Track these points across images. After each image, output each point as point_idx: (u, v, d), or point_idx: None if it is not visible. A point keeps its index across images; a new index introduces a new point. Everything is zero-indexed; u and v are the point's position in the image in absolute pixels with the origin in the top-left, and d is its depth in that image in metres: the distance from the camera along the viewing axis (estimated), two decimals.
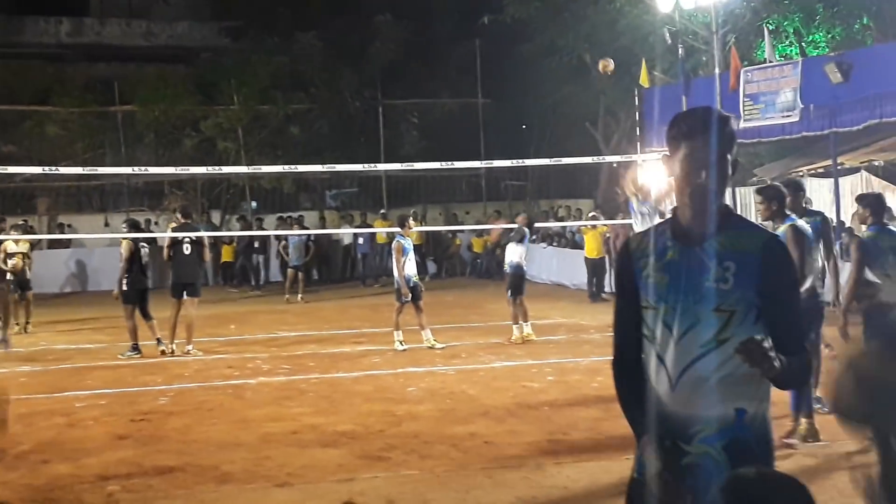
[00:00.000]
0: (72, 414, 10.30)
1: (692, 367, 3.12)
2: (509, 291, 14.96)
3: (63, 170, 20.86)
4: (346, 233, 27.12)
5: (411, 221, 15.22)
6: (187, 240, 14.63)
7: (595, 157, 21.70)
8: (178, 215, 15.62)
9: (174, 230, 15.22)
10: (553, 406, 10.07)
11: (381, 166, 25.23)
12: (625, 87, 24.45)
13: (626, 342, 3.38)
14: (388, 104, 31.26)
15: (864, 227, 8.86)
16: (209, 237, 25.37)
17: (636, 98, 21.36)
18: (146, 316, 14.29)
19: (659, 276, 3.22)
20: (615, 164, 24.25)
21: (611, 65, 18.23)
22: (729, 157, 3.12)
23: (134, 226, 15.55)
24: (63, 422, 9.87)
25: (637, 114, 21.29)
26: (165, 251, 14.72)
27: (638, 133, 20.34)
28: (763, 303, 3.11)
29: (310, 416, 9.85)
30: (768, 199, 8.30)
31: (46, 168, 18.17)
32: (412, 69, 31.15)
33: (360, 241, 27.15)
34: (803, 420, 8.13)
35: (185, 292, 14.43)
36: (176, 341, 14.29)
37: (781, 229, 7.94)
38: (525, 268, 15.17)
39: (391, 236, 18.93)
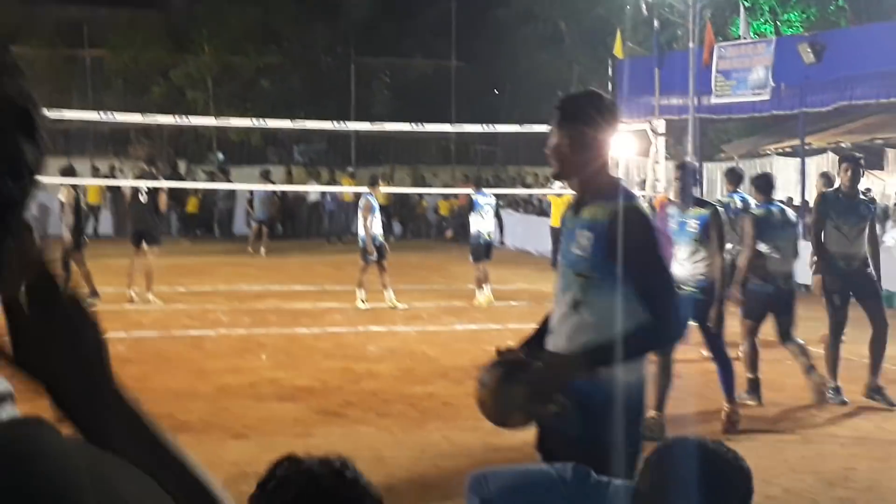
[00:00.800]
0: None
1: (559, 327, 3.54)
2: (471, 256, 15.07)
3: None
4: (314, 189, 27.00)
5: (380, 182, 15.20)
6: (144, 188, 14.51)
7: None
8: (143, 163, 15.49)
9: (137, 177, 15.09)
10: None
11: (351, 125, 25.11)
12: (599, 58, 24.50)
13: None
14: (361, 62, 31.11)
15: (754, 205, 9.56)
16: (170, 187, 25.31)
17: (609, 68, 21.35)
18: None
19: (561, 241, 3.74)
20: None
21: None
22: (590, 132, 3.44)
23: (69, 172, 15.32)
24: None
25: (609, 84, 21.30)
26: (128, 199, 14.60)
27: None
28: (622, 269, 3.34)
29: (268, 369, 9.84)
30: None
31: None
32: (386, 28, 31.01)
33: (328, 198, 27.07)
34: (653, 413, 7.50)
35: (142, 240, 14.33)
36: (134, 288, 14.20)
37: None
38: (482, 234, 15.10)
39: (358, 195, 18.87)
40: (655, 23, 20.21)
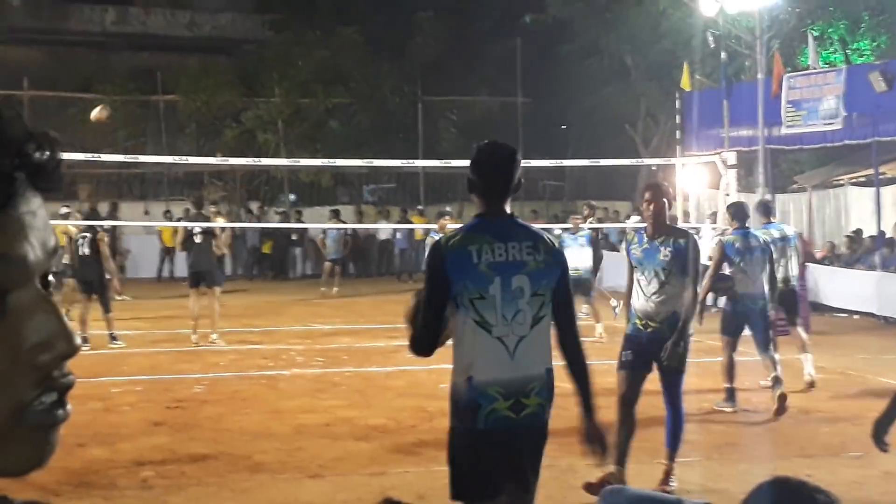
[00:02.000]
0: (108, 399, 10.43)
1: (651, 298, 6.76)
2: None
3: (104, 157, 21.10)
4: (385, 227, 27.21)
5: (446, 219, 15.27)
6: (198, 230, 14.74)
7: (633, 160, 21.60)
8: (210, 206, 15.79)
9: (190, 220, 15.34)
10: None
11: (419, 162, 25.26)
12: (665, 90, 24.38)
13: None
14: (428, 101, 31.32)
15: (729, 231, 10.65)
16: (238, 228, 25.64)
17: (677, 101, 21.26)
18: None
19: (642, 254, 7.39)
20: (654, 167, 24.19)
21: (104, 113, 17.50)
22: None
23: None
24: (99, 406, 9.99)
25: (677, 117, 21.20)
26: (179, 242, 14.87)
27: (678, 136, 20.23)
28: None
29: (343, 409, 9.93)
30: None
31: (88, 154, 18.35)
32: (452, 66, 31.22)
33: (398, 236, 27.28)
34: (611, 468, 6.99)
35: (200, 282, 14.52)
36: (199, 331, 14.34)
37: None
38: (580, 269, 14.91)
39: (428, 232, 18.99)
40: (723, 54, 20.09)
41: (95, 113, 16.65)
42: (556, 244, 4.35)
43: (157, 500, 6.76)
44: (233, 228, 27.15)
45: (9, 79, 29.42)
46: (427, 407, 9.97)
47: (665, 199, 7.18)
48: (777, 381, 9.66)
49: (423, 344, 4.22)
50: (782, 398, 9.55)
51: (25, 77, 28.43)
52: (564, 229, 15.89)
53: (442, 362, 13.11)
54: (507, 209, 4.25)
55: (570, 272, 12.46)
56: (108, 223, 15.05)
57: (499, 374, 4.07)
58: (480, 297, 4.05)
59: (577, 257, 15.05)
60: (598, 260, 16.22)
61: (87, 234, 14.28)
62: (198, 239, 14.57)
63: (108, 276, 14.25)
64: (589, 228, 15.95)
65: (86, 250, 14.13)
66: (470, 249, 4.08)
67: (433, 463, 7.85)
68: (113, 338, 14.03)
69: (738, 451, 8.56)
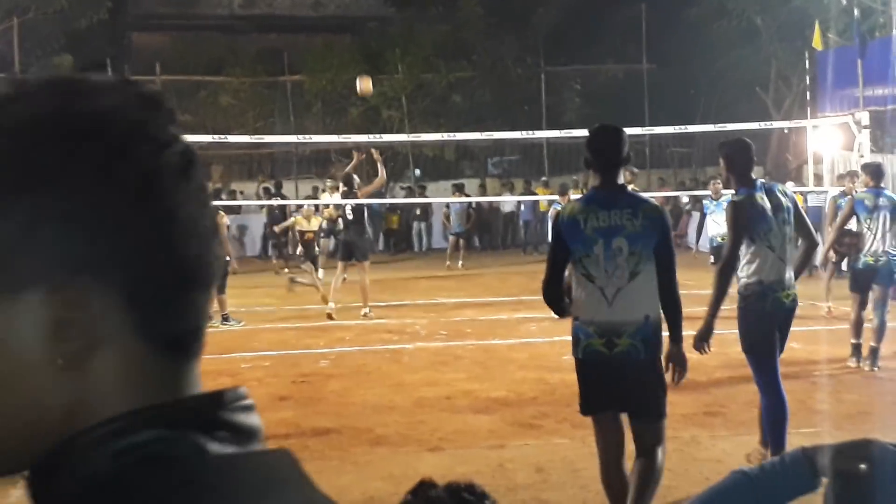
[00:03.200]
0: (237, 374, 10.69)
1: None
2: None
3: (232, 138, 21.61)
4: (507, 200, 27.15)
5: (571, 191, 15.14)
6: (348, 206, 14.91)
7: (762, 123, 20.91)
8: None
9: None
10: (712, 378, 9.86)
11: (541, 133, 25.03)
12: (797, 51, 23.57)
13: None
14: (551, 71, 31.04)
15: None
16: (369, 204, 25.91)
17: (808, 61, 20.52)
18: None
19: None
20: (786, 130, 23.44)
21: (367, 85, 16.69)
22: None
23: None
24: (229, 382, 10.17)
25: (808, 78, 20.47)
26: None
27: (808, 97, 19.54)
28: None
29: (464, 381, 9.94)
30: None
31: (216, 137, 18.81)
32: (575, 35, 30.82)
33: (522, 208, 27.18)
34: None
35: (351, 256, 14.73)
36: (331, 304, 14.60)
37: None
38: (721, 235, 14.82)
39: (551, 204, 18.85)
40: (856, 11, 19.32)
41: (362, 86, 16.76)
42: (658, 212, 5.12)
43: None
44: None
45: (143, 64, 30.39)
46: (549, 379, 9.92)
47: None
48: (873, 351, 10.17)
49: (549, 292, 5.21)
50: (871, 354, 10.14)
51: (157, 62, 29.28)
52: (704, 196, 15.60)
53: (564, 334, 12.99)
54: (620, 180, 5.18)
55: (719, 239, 12.66)
56: (292, 202, 15.29)
57: (596, 316, 5.04)
58: (587, 256, 5.04)
59: (724, 224, 14.74)
60: None
61: None
62: (350, 215, 14.81)
63: (227, 258, 14.45)
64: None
65: None
66: (579, 218, 5.07)
67: (553, 435, 7.81)
68: (225, 318, 14.32)
69: (870, 421, 8.24)
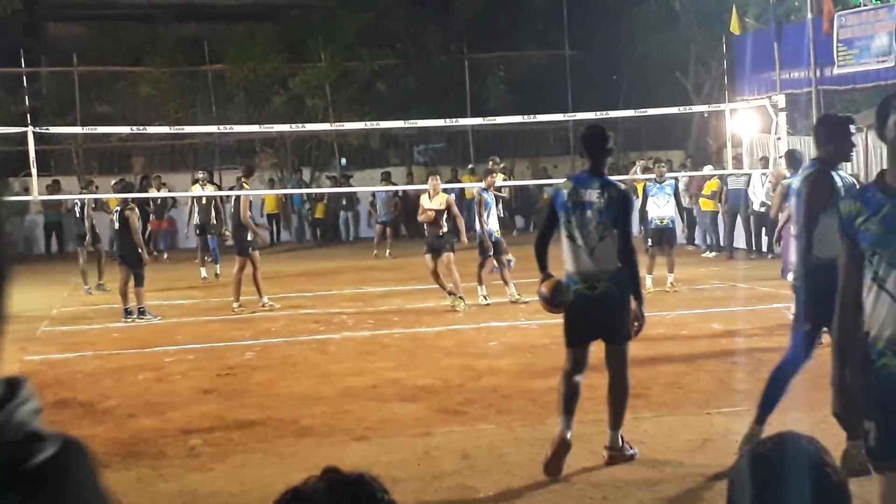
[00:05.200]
0: (160, 369, 10.55)
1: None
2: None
3: (151, 129, 21.26)
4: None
5: (493, 176, 15.18)
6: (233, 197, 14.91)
7: (682, 108, 21.18)
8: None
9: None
10: (635, 361, 9.94)
11: (465, 121, 25.03)
12: (716, 35, 23.85)
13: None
14: (474, 58, 31.05)
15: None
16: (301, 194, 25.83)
17: (725, 46, 20.84)
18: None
19: None
20: (705, 114, 23.77)
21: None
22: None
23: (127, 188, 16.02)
24: (151, 377, 10.11)
25: (726, 62, 20.78)
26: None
27: (727, 81, 19.83)
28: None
29: (391, 370, 9.93)
30: None
31: (136, 128, 18.53)
32: (498, 21, 30.92)
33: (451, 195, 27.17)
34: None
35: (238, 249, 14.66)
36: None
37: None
38: (666, 219, 15.13)
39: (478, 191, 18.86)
40: None
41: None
42: (621, 193, 6.56)
43: (204, 468, 6.80)
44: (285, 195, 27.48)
45: (59, 55, 29.76)
46: (475, 365, 9.95)
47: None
48: None
49: (537, 246, 6.78)
50: None
51: (75, 53, 28.67)
52: (650, 179, 15.69)
53: (491, 320, 13.08)
54: (601, 167, 6.59)
55: (658, 222, 12.95)
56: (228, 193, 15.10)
57: (579, 267, 6.53)
58: (568, 221, 6.52)
59: (665, 207, 15.01)
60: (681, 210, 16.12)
61: (118, 209, 14.38)
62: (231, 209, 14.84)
63: (140, 250, 14.21)
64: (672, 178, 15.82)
65: (116, 225, 14.26)
66: (563, 191, 6.60)
67: (479, 421, 7.84)
68: (141, 312, 14.07)
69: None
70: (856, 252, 3.74)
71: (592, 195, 6.46)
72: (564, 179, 6.99)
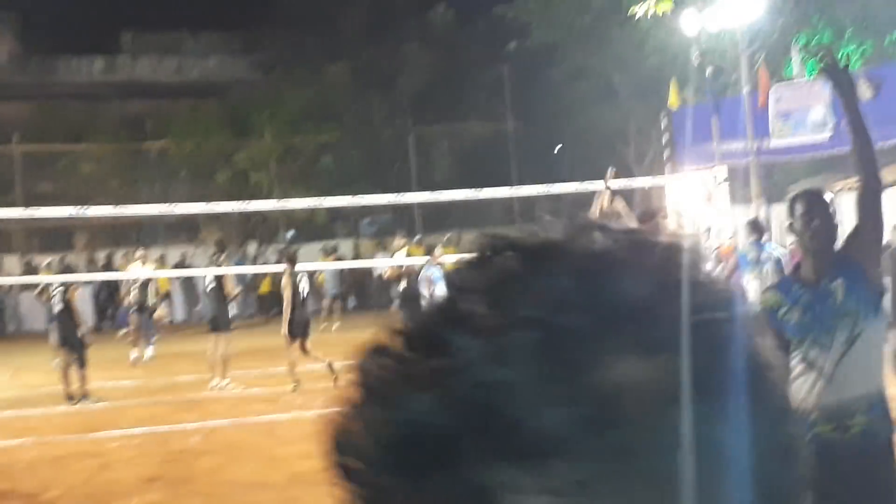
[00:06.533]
0: (104, 455, 10.33)
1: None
2: None
3: (92, 210, 21.03)
4: (380, 263, 27.12)
5: (438, 250, 15.24)
6: (211, 276, 14.78)
7: (625, 181, 21.40)
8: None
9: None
10: None
11: (411, 196, 25.13)
12: (655, 109, 24.33)
13: None
14: (419, 130, 31.35)
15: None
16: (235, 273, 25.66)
17: (665, 118, 21.23)
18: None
19: None
20: (647, 187, 24.09)
21: None
22: None
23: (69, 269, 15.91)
24: (95, 464, 9.89)
25: (665, 135, 21.16)
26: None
27: (666, 155, 20.17)
28: None
29: None
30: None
31: (78, 208, 18.30)
32: (441, 95, 31.31)
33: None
34: None
35: (210, 328, 14.53)
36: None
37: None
38: None
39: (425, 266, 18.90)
40: (708, 70, 20.07)
41: None
42: None
43: None
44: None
45: (1, 134, 29.54)
46: None
47: None
48: None
49: None
50: None
51: (15, 132, 28.47)
52: None
53: None
54: None
55: None
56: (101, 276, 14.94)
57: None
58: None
59: None
60: None
61: (60, 288, 14.20)
62: (209, 285, 14.65)
63: (81, 332, 14.03)
64: None
65: (59, 305, 14.06)
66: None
67: None
68: (84, 396, 13.82)
69: None
70: (780, 342, 3.87)
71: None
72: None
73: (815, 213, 3.94)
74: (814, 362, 3.88)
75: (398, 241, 18.64)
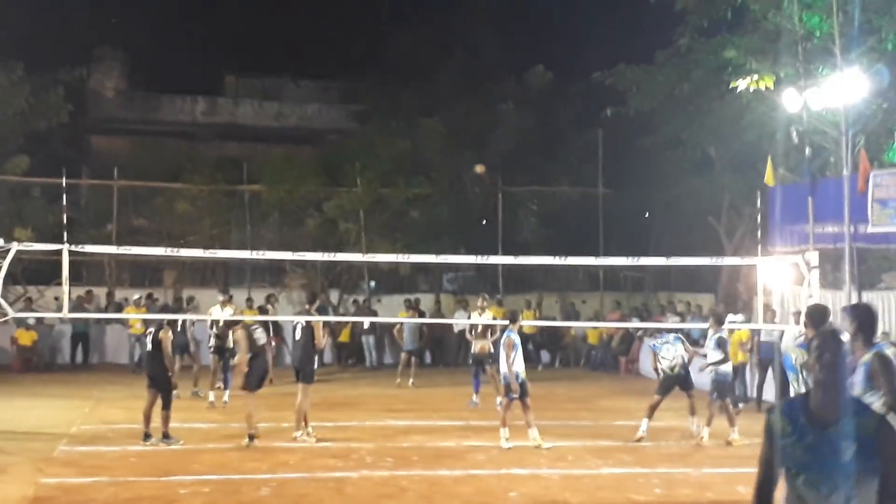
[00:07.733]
0: (174, 501, 10.39)
1: None
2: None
3: (184, 251, 21.46)
4: (460, 322, 27.06)
5: (522, 316, 15.17)
6: (300, 324, 14.78)
7: (714, 259, 21.02)
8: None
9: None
10: None
11: (495, 259, 24.86)
12: (749, 183, 24.00)
13: None
14: (508, 191, 31.34)
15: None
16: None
17: (759, 195, 20.90)
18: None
19: None
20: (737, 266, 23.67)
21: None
22: None
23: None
24: None
25: (759, 214, 20.82)
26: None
27: (759, 234, 19.81)
28: None
29: None
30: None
31: (169, 249, 18.67)
32: (533, 157, 31.33)
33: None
34: None
35: (296, 377, 14.54)
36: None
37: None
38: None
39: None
40: (807, 149, 19.74)
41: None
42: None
43: None
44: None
45: (101, 168, 30.35)
46: None
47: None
48: None
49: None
50: None
51: (115, 166, 29.23)
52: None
53: (511, 466, 12.82)
54: None
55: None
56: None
57: None
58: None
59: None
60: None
61: (151, 330, 14.44)
62: (297, 334, 14.72)
63: (170, 373, 14.28)
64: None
65: (149, 346, 14.30)
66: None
67: None
68: (165, 436, 13.99)
69: None
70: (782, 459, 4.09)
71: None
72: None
73: (826, 348, 4.06)
74: (804, 500, 4.02)
75: (480, 301, 18.67)
